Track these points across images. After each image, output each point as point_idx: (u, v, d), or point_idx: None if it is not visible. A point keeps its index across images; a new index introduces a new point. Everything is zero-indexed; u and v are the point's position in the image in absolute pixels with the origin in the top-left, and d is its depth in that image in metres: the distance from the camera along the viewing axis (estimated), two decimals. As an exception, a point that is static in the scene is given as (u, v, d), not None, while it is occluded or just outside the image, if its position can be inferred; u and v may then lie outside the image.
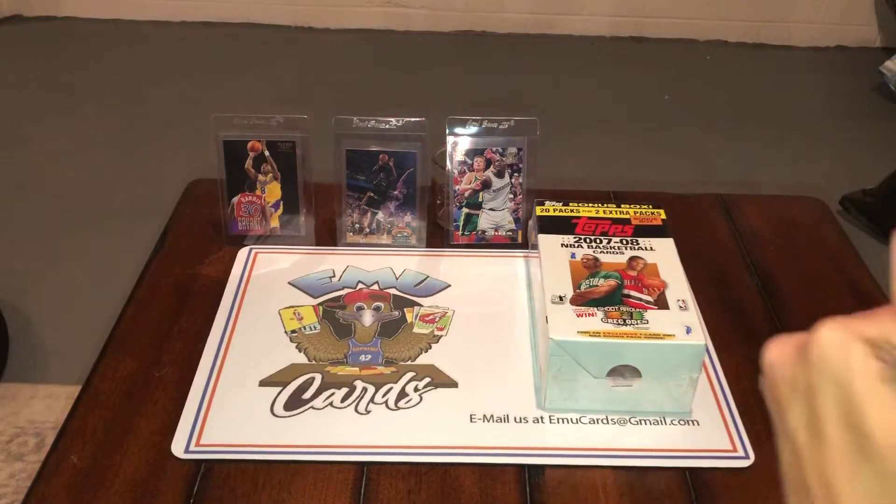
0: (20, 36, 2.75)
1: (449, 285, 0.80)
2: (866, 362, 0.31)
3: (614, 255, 0.70)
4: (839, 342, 0.32)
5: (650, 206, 0.76)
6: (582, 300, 0.65)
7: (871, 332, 0.32)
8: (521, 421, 0.65)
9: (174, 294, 0.78)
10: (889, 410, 0.29)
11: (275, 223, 0.83)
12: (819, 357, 0.32)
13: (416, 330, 0.74)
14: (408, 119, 0.79)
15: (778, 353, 0.35)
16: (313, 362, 0.70)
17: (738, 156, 2.25)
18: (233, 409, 0.66)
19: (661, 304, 0.65)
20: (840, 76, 2.70)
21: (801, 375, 0.33)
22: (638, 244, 0.72)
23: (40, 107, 2.37)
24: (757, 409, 0.67)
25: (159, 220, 0.88)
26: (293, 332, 0.74)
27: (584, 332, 0.62)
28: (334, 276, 0.80)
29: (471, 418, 0.66)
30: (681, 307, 0.65)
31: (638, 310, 0.64)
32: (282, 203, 0.82)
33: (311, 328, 0.74)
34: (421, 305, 0.77)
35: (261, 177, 0.81)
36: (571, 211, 0.76)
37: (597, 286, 0.67)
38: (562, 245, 0.72)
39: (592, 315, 0.64)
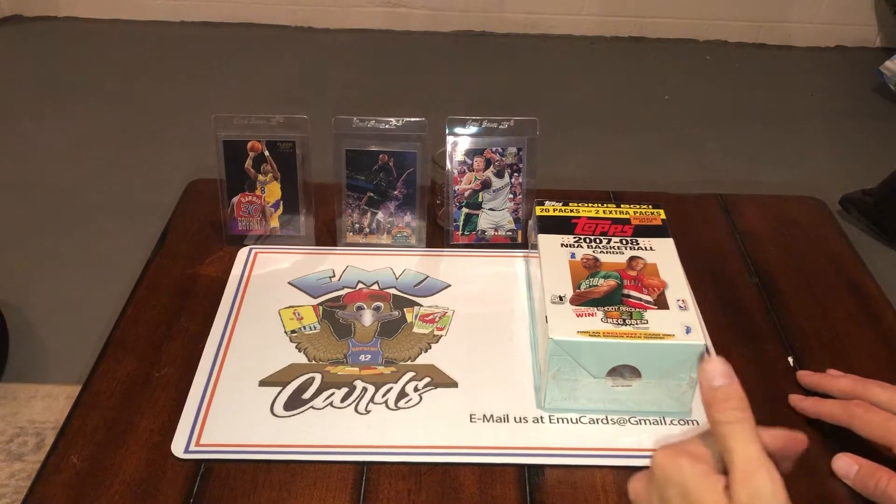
0: (20, 36, 2.75)
1: (449, 285, 0.80)
2: (693, 465, 0.45)
3: (614, 255, 0.70)
4: (670, 458, 0.46)
5: (650, 206, 0.76)
6: (582, 300, 0.65)
7: (691, 448, 0.46)
8: (520, 421, 0.65)
9: (174, 294, 0.78)
10: (714, 493, 0.43)
11: (275, 223, 0.83)
12: (661, 474, 0.46)
13: (415, 330, 0.74)
14: (408, 119, 0.80)
15: (634, 485, 0.50)
16: (313, 362, 0.71)
17: (738, 156, 2.25)
18: (233, 409, 0.66)
19: (661, 304, 0.65)
20: (840, 76, 2.70)
21: (653, 494, 0.46)
22: (638, 244, 0.72)
23: (40, 107, 2.37)
24: (756, 409, 0.67)
25: (159, 220, 0.88)
26: (293, 332, 0.74)
27: (584, 332, 0.62)
28: (334, 276, 0.81)
29: (471, 418, 0.66)
30: (681, 307, 0.65)
31: (638, 310, 0.64)
32: (282, 203, 0.82)
33: (310, 328, 0.74)
34: (421, 305, 0.77)
35: (261, 177, 0.81)
36: (571, 211, 0.76)
37: (597, 286, 0.67)
38: (561, 245, 0.72)
39: (592, 315, 0.64)
